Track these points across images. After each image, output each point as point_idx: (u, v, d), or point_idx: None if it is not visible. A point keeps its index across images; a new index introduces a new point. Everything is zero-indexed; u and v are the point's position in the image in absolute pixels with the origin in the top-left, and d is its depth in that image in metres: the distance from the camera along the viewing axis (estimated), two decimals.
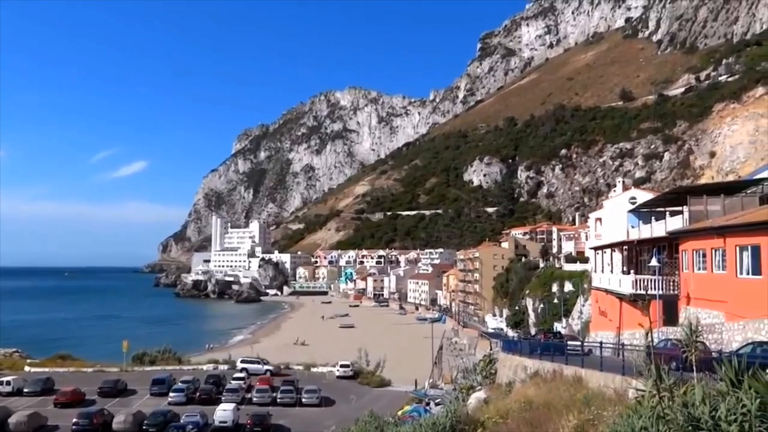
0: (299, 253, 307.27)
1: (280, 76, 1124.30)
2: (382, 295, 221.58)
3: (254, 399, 48.09)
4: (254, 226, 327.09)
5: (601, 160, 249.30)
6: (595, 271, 50.79)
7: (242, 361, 60.33)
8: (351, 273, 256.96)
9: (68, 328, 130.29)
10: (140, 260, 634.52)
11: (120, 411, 42.15)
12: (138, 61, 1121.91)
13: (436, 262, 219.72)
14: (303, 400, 48.34)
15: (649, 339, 9.19)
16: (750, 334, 22.29)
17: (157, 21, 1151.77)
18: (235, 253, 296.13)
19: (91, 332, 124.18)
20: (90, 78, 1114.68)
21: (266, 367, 58.54)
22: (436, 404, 38.28)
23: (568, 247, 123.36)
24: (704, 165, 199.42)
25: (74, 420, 39.29)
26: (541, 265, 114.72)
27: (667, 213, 39.14)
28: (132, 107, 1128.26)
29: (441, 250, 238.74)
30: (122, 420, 39.87)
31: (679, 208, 36.61)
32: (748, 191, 34.49)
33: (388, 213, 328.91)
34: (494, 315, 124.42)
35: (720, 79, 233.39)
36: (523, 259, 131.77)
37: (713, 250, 26.89)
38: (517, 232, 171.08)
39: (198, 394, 48.27)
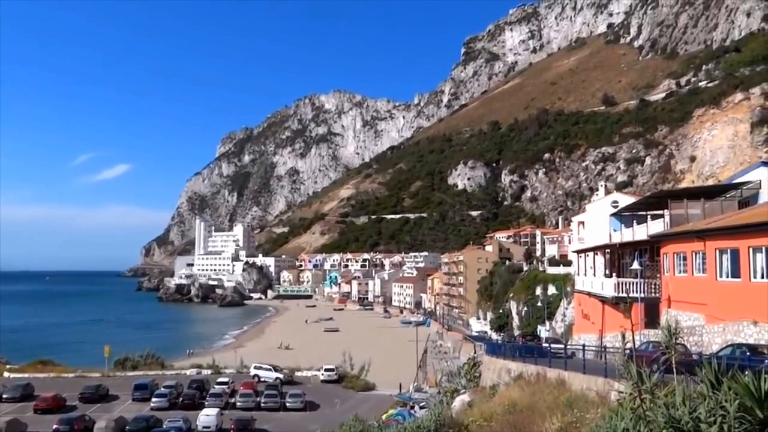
0: (284, 256, 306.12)
1: (264, 79, 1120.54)
2: (367, 298, 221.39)
3: (238, 404, 47.79)
4: (238, 230, 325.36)
5: (583, 164, 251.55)
6: (578, 275, 51.22)
7: (255, 368, 58.95)
8: (336, 276, 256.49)
9: (49, 333, 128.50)
10: (122, 264, 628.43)
11: (101, 417, 41.68)
12: (119, 65, 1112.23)
13: (421, 265, 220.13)
14: (287, 404, 48.13)
15: (628, 341, 9.31)
16: (729, 336, 22.61)
17: (141, 24, 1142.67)
18: (218, 257, 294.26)
19: (72, 337, 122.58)
20: (68, 81, 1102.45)
21: (277, 374, 56.88)
22: (421, 407, 38.34)
23: (552, 250, 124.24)
24: (685, 169, 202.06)
25: (54, 426, 38.79)
26: (525, 268, 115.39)
27: (649, 217, 39.60)
28: (113, 110, 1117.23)
29: (425, 253, 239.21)
30: (104, 426, 39.41)
31: (660, 212, 37.07)
32: (728, 195, 35.02)
33: (373, 216, 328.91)
34: (478, 318, 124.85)
35: (700, 84, 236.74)
36: (507, 262, 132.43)
37: (693, 254, 27.25)
38: (501, 236, 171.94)
39: (181, 399, 47.87)
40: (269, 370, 58.22)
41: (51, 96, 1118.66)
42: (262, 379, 55.58)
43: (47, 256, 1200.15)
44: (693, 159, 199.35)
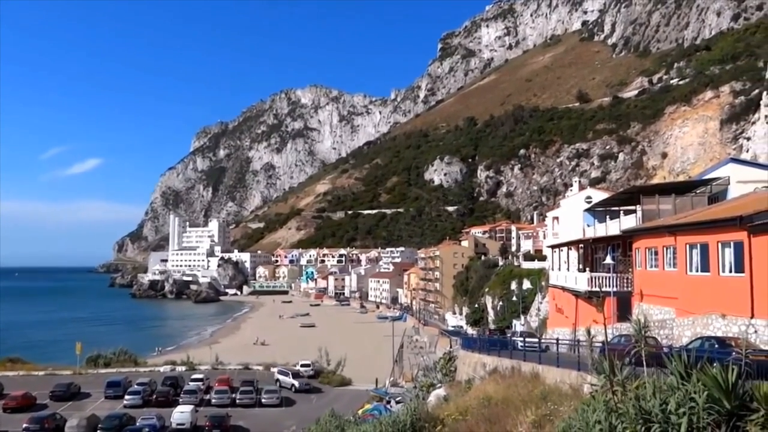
0: (259, 252, 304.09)
1: (240, 73, 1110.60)
2: (344, 294, 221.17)
3: (213, 400, 47.35)
4: (213, 225, 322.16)
5: (558, 160, 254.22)
6: (553, 269, 51.76)
7: (279, 372, 55.57)
8: (312, 272, 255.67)
9: (18, 330, 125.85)
10: (95, 260, 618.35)
11: (73, 415, 40.99)
12: (90, 58, 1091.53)
13: (397, 260, 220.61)
14: (263, 400, 47.84)
15: (594, 336, 9.42)
16: (699, 329, 23.05)
17: (114, 17, 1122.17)
18: (193, 253, 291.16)
19: (43, 335, 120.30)
20: (38, 74, 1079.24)
21: (294, 381, 53.35)
22: (397, 402, 38.45)
23: (527, 245, 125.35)
24: (656, 165, 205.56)
25: (24, 425, 38.08)
26: (500, 263, 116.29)
27: (621, 212, 40.15)
28: (85, 103, 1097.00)
29: (402, 248, 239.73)
30: (75, 424, 38.78)
31: (633, 208, 37.62)
32: (698, 191, 35.67)
33: (349, 212, 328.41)
34: (454, 313, 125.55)
35: (671, 82, 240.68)
36: (483, 257, 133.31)
37: (664, 248, 27.70)
38: (477, 231, 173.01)
39: (155, 396, 47.32)
40: (287, 375, 54.88)
41: (20, 89, 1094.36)
42: (283, 386, 52.69)
43: (16, 252, 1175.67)
44: (664, 155, 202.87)
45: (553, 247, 52.71)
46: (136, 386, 48.13)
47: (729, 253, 21.79)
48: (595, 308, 32.31)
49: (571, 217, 56.39)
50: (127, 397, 46.30)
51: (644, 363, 8.27)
